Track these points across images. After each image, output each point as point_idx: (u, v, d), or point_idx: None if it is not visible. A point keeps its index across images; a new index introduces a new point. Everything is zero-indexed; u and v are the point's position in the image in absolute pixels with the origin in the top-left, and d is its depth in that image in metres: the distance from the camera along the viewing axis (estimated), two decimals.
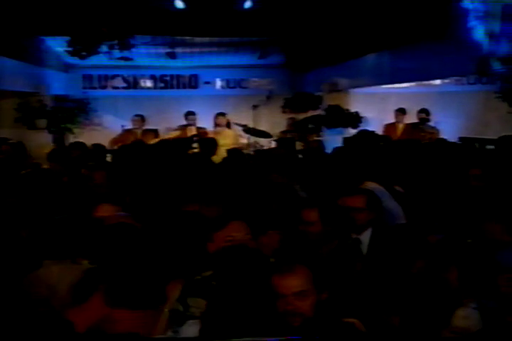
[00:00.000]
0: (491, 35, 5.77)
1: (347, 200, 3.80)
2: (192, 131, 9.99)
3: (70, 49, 8.09)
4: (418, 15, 6.79)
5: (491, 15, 5.79)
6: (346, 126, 9.77)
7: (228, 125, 10.42)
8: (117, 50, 8.07)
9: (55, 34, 8.27)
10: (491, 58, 5.76)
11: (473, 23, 5.94)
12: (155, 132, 10.20)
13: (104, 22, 7.47)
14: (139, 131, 9.66)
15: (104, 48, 8.08)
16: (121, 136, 9.60)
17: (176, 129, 10.28)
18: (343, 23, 8.29)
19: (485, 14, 5.85)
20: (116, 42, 7.87)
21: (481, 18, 5.86)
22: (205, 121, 10.41)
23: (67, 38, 7.93)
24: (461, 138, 9.13)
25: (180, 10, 7.66)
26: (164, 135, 10.00)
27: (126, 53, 8.26)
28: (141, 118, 9.82)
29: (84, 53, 8.00)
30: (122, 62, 9.65)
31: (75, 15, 7.27)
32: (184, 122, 10.33)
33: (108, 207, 3.73)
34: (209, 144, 7.38)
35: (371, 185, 4.66)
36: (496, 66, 5.79)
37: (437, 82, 10.65)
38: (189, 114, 10.23)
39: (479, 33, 5.88)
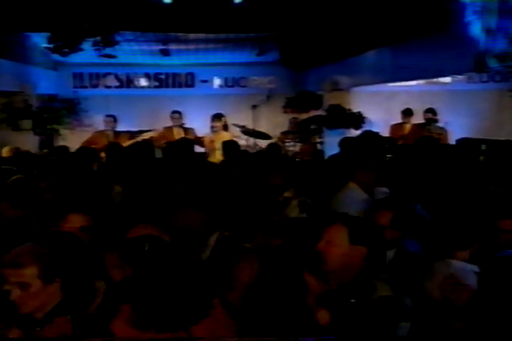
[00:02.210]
0: (487, 32, 5.63)
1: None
2: (179, 132, 9.57)
3: (50, 46, 7.99)
4: (417, 10, 6.66)
5: (488, 10, 5.64)
6: (348, 126, 9.55)
7: (225, 127, 10.22)
8: (102, 47, 7.93)
9: (34, 30, 8.14)
10: (488, 55, 5.61)
11: (470, 18, 5.81)
12: (129, 133, 9.89)
13: (86, 17, 7.33)
14: (111, 133, 9.42)
15: (88, 45, 7.95)
16: (93, 137, 9.20)
17: (160, 130, 9.98)
18: (342, 18, 8.13)
19: (482, 9, 5.71)
20: (99, 38, 7.74)
21: (478, 13, 5.72)
22: (202, 122, 10.11)
23: (49, 34, 7.82)
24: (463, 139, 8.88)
25: (167, 4, 7.50)
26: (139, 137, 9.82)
27: (110, 50, 8.11)
28: (114, 119, 9.48)
29: (66, 50, 7.88)
30: (115, 60, 9.56)
31: (55, 10, 7.14)
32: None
33: (77, 218, 3.51)
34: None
35: (382, 190, 4.49)
36: (493, 63, 5.62)
37: (447, 79, 10.43)
38: (174, 113, 9.75)
39: (476, 28, 5.74)
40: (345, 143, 6.94)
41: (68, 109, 10.43)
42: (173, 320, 1.99)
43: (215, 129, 9.69)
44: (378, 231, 2.79)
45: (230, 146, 7.33)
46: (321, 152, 8.19)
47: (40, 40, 9.26)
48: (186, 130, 9.64)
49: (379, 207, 3.56)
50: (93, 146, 8.38)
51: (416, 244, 3.62)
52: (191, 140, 8.90)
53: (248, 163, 5.81)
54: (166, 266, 2.43)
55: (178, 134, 9.50)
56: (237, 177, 5.23)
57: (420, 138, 7.14)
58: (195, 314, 2.08)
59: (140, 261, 2.53)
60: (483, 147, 7.21)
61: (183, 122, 9.76)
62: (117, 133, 9.31)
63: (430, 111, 9.43)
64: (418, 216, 3.91)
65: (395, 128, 9.81)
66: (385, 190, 4.54)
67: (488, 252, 3.03)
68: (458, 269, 3.00)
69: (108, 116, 9.41)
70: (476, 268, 2.96)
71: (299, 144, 9.89)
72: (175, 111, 9.82)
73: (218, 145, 9.30)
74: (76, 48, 7.83)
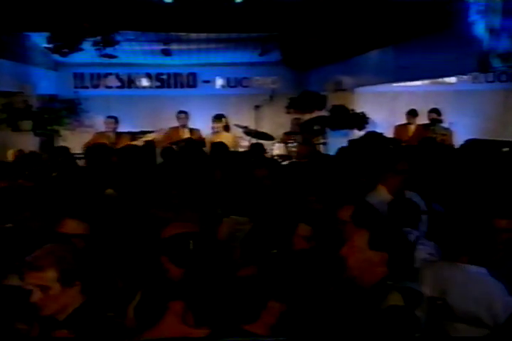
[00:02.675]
0: (491, 31, 5.59)
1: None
2: (185, 133, 9.62)
3: (50, 46, 7.97)
4: (421, 9, 6.62)
5: (492, 10, 5.60)
6: (352, 127, 9.51)
7: (227, 128, 10.19)
8: (102, 47, 7.90)
9: (34, 30, 8.12)
10: (491, 55, 5.57)
11: (474, 17, 5.77)
12: (131, 135, 9.87)
13: (86, 17, 7.30)
14: (111, 134, 9.31)
15: (88, 45, 7.93)
16: (94, 139, 9.11)
17: (165, 131, 9.98)
18: (345, 17, 8.07)
19: (486, 9, 5.67)
20: (99, 38, 7.71)
21: (482, 12, 5.69)
22: (205, 123, 10.09)
23: (48, 34, 7.80)
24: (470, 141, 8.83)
25: (168, 4, 7.45)
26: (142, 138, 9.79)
27: (110, 50, 8.07)
28: (115, 120, 9.44)
29: (65, 50, 7.85)
30: (116, 60, 9.52)
31: (54, 9, 7.11)
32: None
33: (73, 224, 3.33)
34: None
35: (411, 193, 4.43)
36: (497, 63, 5.57)
37: (452, 80, 10.37)
38: (181, 113, 9.77)
39: (480, 28, 5.70)
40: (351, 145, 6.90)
41: (69, 110, 10.38)
42: (227, 317, 2.03)
43: (215, 130, 9.70)
44: (401, 236, 2.76)
45: (217, 148, 7.24)
46: (319, 153, 8.11)
47: (40, 40, 9.21)
48: (192, 131, 9.63)
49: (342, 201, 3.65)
50: None
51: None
52: (201, 141, 8.91)
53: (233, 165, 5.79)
54: (217, 262, 2.56)
55: (183, 135, 9.51)
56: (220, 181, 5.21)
57: (422, 140, 7.10)
58: (251, 311, 2.13)
59: (189, 259, 2.60)
60: (506, 149, 7.16)
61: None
62: (119, 135, 9.29)
63: (434, 111, 9.41)
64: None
65: (399, 129, 9.77)
66: (413, 193, 4.48)
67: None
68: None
69: (109, 117, 9.38)
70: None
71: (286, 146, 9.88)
72: (181, 112, 9.82)
73: None
74: (76, 48, 7.78)
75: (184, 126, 9.68)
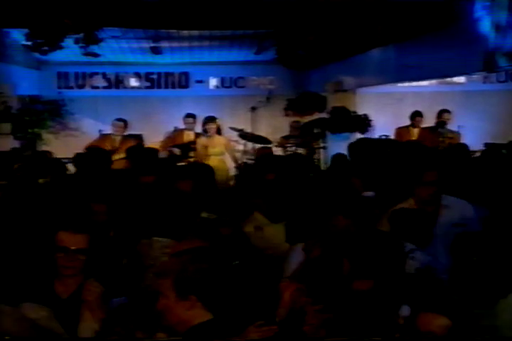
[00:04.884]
0: (497, 28, 5.52)
1: None
2: (190, 137, 9.50)
3: (29, 43, 7.85)
4: (424, 6, 6.56)
5: (498, 6, 5.53)
6: (353, 130, 9.41)
7: (219, 131, 10.06)
8: (85, 45, 7.78)
9: (12, 26, 7.98)
10: (497, 54, 5.50)
11: (479, 14, 5.71)
12: (138, 139, 9.84)
13: (67, 12, 7.17)
14: (118, 138, 9.19)
15: (71, 42, 7.80)
16: (97, 142, 9.12)
17: (168, 135, 9.95)
18: (346, 14, 8.00)
19: (492, 5, 5.60)
20: (82, 35, 7.59)
21: (488, 9, 5.62)
22: (198, 125, 9.99)
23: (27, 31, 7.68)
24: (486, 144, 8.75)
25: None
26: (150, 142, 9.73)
27: (95, 48, 7.94)
28: (124, 124, 9.29)
29: (46, 48, 7.74)
30: (102, 59, 9.39)
31: (34, 4, 6.99)
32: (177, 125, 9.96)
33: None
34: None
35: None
36: (503, 62, 5.49)
37: (461, 79, 10.34)
38: (188, 117, 9.69)
39: (486, 25, 5.64)
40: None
41: (52, 112, 10.25)
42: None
43: (209, 133, 9.51)
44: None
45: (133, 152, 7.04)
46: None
47: (20, 37, 9.06)
48: (198, 135, 9.49)
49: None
50: None
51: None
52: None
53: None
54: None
55: (188, 139, 9.44)
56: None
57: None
58: None
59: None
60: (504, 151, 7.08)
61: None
62: (125, 139, 9.06)
63: (443, 113, 9.32)
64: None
65: (401, 132, 9.66)
66: (454, 198, 4.36)
67: None
68: None
69: (118, 120, 9.06)
70: None
71: (301, 149, 9.79)
72: (190, 115, 9.72)
73: (213, 150, 9.20)
74: (57, 46, 7.65)
75: (191, 129, 9.62)
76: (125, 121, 9.17)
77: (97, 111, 10.69)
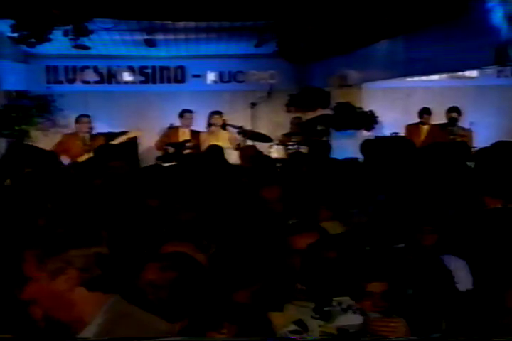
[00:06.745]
0: (509, 20, 5.48)
1: None
2: (185, 134, 9.61)
3: (15, 35, 7.77)
4: None
5: None
6: (359, 127, 9.43)
7: (224, 126, 10.11)
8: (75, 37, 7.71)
9: None
10: (509, 46, 5.46)
11: (491, 4, 5.66)
12: (107, 136, 9.62)
13: (55, 2, 7.10)
14: (87, 136, 9.02)
15: (59, 34, 7.73)
16: (64, 141, 8.98)
17: (163, 133, 9.93)
18: (352, 4, 7.95)
19: None
20: (71, 27, 7.51)
21: None
22: (194, 122, 10.02)
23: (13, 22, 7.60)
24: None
25: None
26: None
27: (86, 40, 7.87)
28: (89, 120, 9.22)
29: (33, 40, 7.65)
30: (94, 52, 9.33)
31: None
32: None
33: None
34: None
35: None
36: None
37: (473, 74, 10.33)
38: (186, 113, 9.85)
39: (498, 16, 5.60)
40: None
41: (40, 108, 10.13)
42: None
43: (213, 127, 9.64)
44: None
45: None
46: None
47: (5, 29, 9.02)
48: (194, 133, 9.63)
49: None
50: (63, 155, 8.17)
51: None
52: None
53: None
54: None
55: (183, 137, 9.53)
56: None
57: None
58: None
59: None
60: None
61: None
62: (94, 137, 9.06)
63: (454, 110, 9.37)
64: None
65: (411, 129, 9.70)
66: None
67: None
68: None
69: (82, 115, 9.19)
70: None
71: (304, 147, 9.74)
72: (186, 111, 9.90)
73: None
74: (44, 38, 7.57)
75: (187, 126, 9.76)
76: (89, 117, 9.25)
77: (88, 107, 10.58)
